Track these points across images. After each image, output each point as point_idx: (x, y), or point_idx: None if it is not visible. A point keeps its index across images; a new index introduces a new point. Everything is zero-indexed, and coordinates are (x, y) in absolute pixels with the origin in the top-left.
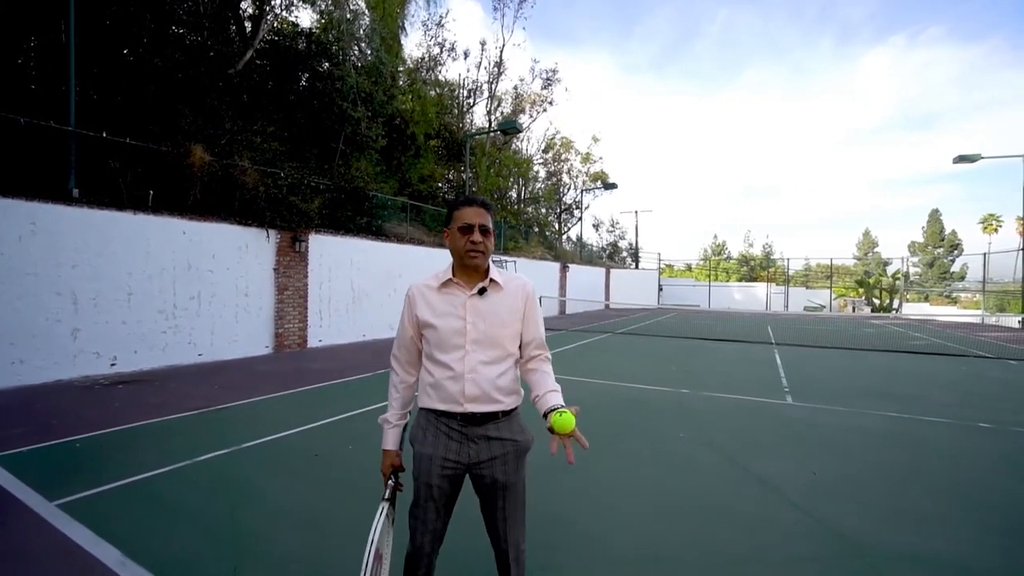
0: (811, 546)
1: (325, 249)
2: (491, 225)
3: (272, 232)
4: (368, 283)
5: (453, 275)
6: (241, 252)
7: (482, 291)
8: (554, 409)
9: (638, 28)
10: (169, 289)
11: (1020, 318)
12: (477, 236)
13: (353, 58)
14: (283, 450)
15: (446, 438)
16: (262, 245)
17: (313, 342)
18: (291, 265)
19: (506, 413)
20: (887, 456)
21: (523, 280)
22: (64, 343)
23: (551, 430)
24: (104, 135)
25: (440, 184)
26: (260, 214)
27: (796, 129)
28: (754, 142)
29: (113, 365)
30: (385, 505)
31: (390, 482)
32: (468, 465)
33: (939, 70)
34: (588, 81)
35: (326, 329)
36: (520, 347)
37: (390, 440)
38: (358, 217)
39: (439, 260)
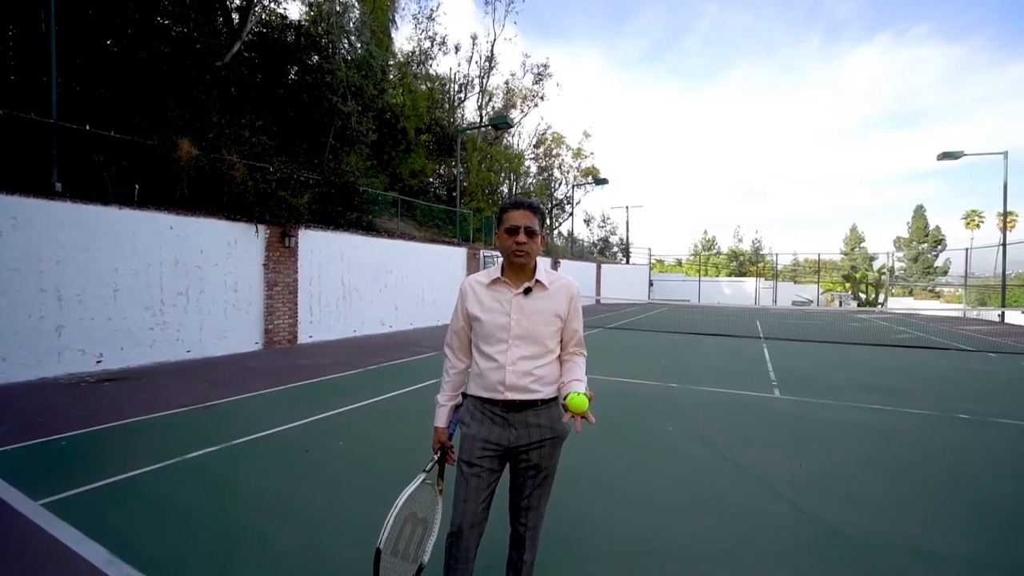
0: (798, 536)
1: (315, 244)
2: (537, 227)
3: (261, 227)
4: (359, 279)
5: (502, 274)
6: (230, 247)
7: (527, 291)
8: (573, 390)
9: (628, 24)
10: (156, 285)
11: (1000, 312)
12: (522, 237)
13: (343, 51)
14: (274, 447)
15: (490, 423)
16: (251, 240)
17: (304, 338)
18: (281, 260)
19: (545, 401)
20: (872, 448)
21: (568, 281)
22: (48, 340)
23: (566, 408)
24: (87, 128)
25: (431, 179)
26: (249, 209)
27: (785, 126)
28: (744, 138)
29: (99, 362)
30: (423, 475)
31: (435, 456)
32: (508, 448)
33: (924, 68)
34: (579, 76)
35: (317, 325)
36: (560, 344)
37: (441, 418)
38: (348, 212)
39: (430, 256)
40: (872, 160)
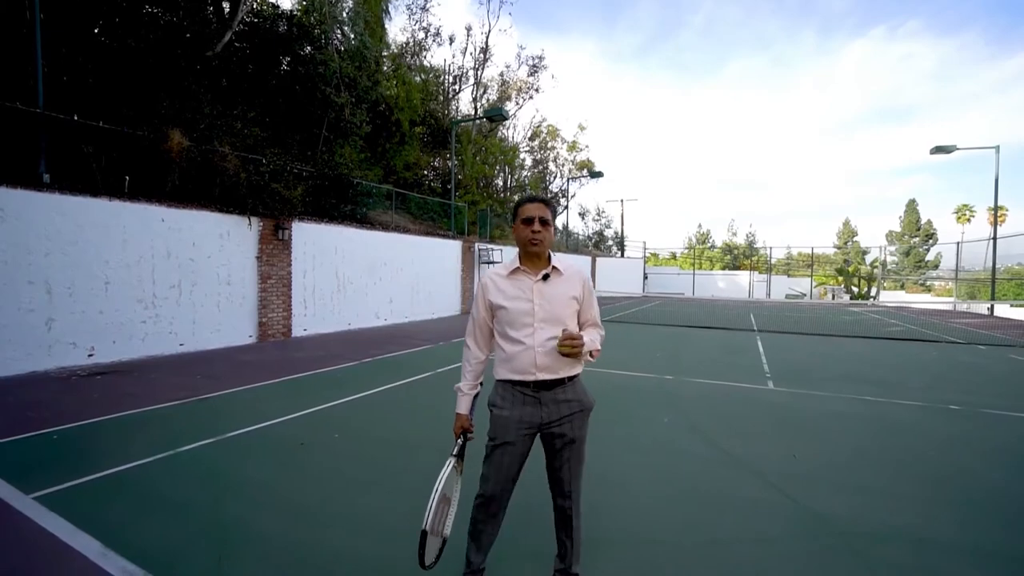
0: (790, 526)
1: (309, 237)
2: (550, 218)
3: (254, 220)
4: (353, 271)
5: (520, 264)
6: (222, 240)
7: (545, 277)
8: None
9: (624, 17)
10: (148, 278)
11: (989, 305)
12: (536, 227)
13: (336, 42)
14: (268, 439)
15: (521, 404)
16: (244, 233)
17: (298, 331)
18: (274, 253)
19: (571, 379)
20: (864, 439)
21: (578, 267)
22: (38, 334)
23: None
24: (75, 118)
25: (426, 172)
26: (241, 201)
27: (779, 120)
28: (738, 132)
29: (91, 356)
30: (452, 460)
31: (459, 440)
32: (540, 426)
33: (917, 63)
34: (574, 69)
35: (311, 318)
36: (579, 325)
37: (463, 405)
38: (342, 205)
39: (425, 249)
40: (865, 154)
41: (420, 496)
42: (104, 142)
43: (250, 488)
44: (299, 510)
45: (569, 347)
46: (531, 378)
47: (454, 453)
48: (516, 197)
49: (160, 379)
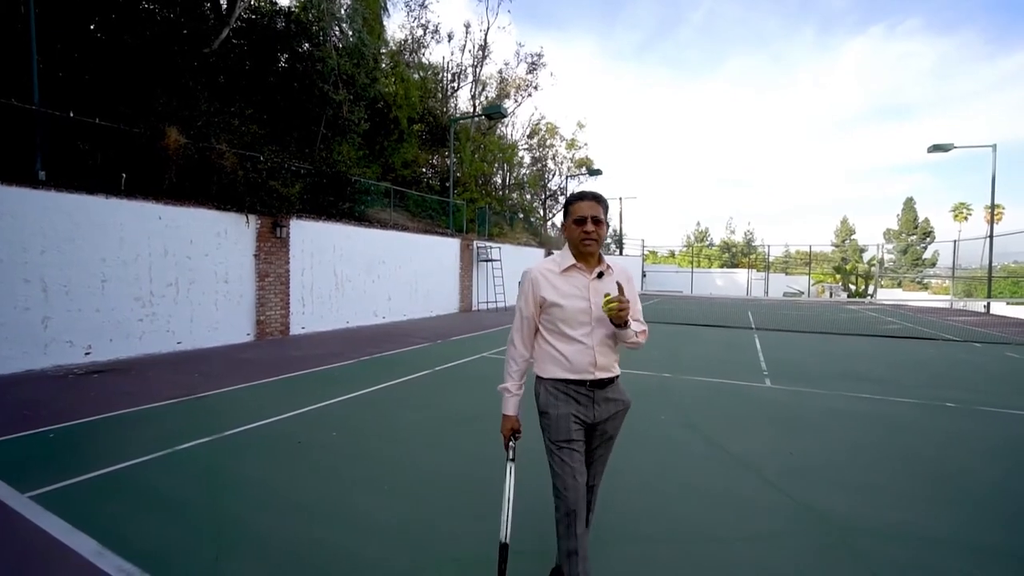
0: (787, 523)
1: (307, 235)
2: (603, 216)
3: (252, 217)
4: (351, 269)
5: (575, 261)
6: (220, 238)
7: (600, 275)
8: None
9: (623, 14)
10: (145, 276)
11: (986, 303)
12: (590, 227)
13: (334, 39)
14: (266, 438)
15: (575, 402)
16: (241, 231)
17: (296, 329)
18: (272, 251)
19: (616, 377)
20: (860, 436)
21: (623, 264)
22: (34, 332)
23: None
24: (71, 115)
25: (424, 169)
26: (239, 199)
27: (778, 118)
28: (737, 130)
29: (88, 354)
30: (512, 465)
31: (511, 443)
32: (592, 424)
33: (916, 61)
34: (573, 67)
35: (309, 316)
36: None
37: (511, 406)
38: (340, 202)
39: (423, 247)
40: (864, 152)
41: (418, 495)
42: (100, 139)
43: (248, 486)
44: (298, 508)
45: (617, 305)
46: (589, 377)
47: (511, 458)
48: (515, 195)
49: (157, 377)
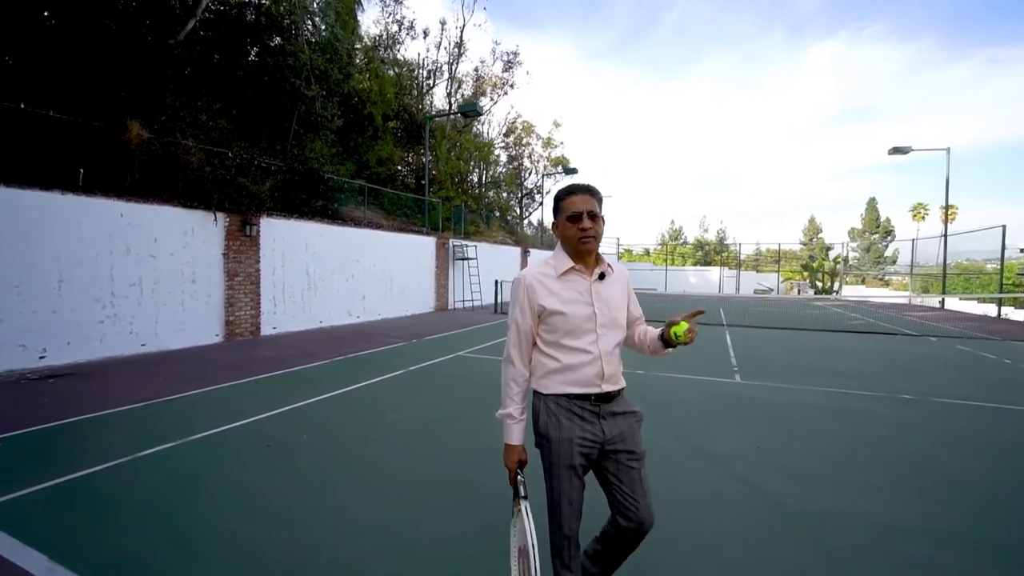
0: (757, 517)
1: (278, 233)
2: (599, 209)
3: (220, 215)
4: (325, 268)
5: (573, 263)
6: (186, 236)
7: (601, 276)
8: (672, 324)
9: (599, 13)
10: (106, 275)
11: (940, 299)
12: (587, 223)
13: (306, 33)
14: (234, 441)
15: (579, 419)
16: (209, 229)
17: (267, 330)
18: (241, 250)
19: (622, 389)
20: (824, 428)
21: (619, 264)
22: None
23: (673, 337)
24: (22, 107)
25: (399, 167)
26: (206, 196)
27: (749, 118)
28: (710, 130)
29: (42, 358)
30: (527, 504)
31: (520, 478)
32: (602, 443)
33: (881, 65)
34: (549, 65)
35: (280, 316)
36: (627, 324)
37: (516, 435)
38: (313, 200)
39: (398, 245)
40: (831, 153)
41: (395, 497)
42: (56, 133)
43: (215, 491)
44: (266, 513)
45: (695, 334)
46: (595, 390)
47: (523, 495)
48: (491, 194)
49: (119, 381)
